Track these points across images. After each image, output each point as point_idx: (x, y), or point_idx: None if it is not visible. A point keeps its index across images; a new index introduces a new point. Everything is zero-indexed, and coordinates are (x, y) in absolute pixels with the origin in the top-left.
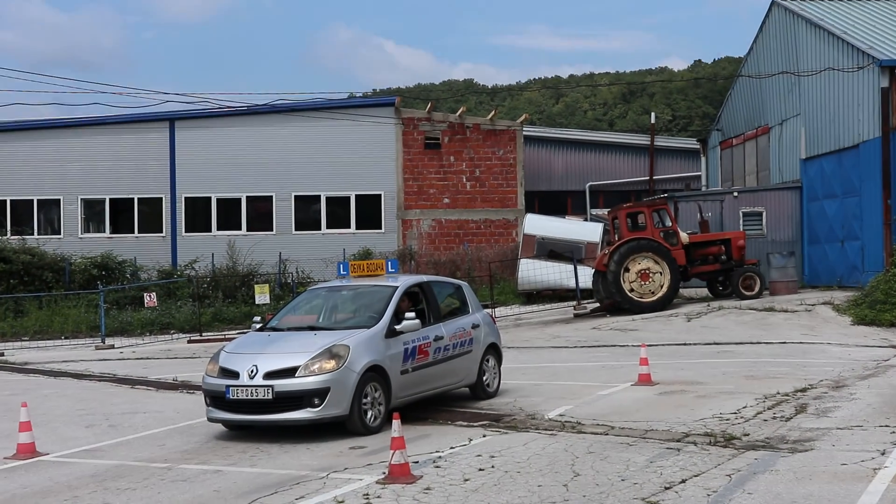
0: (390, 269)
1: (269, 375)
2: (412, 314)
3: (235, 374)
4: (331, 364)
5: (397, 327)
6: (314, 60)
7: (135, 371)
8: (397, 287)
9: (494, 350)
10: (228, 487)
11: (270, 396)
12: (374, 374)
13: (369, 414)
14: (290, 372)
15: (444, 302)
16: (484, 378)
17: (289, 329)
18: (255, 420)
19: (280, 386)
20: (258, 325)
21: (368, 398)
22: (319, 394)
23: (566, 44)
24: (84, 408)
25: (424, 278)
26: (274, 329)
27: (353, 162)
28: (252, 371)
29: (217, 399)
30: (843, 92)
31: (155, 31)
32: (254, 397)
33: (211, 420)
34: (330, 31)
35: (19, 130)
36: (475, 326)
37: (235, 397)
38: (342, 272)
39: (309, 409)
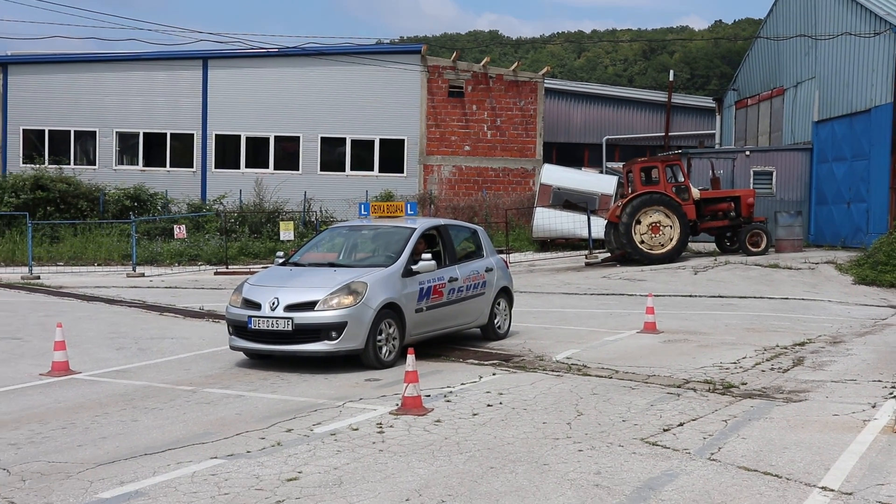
0: (409, 212)
1: (289, 308)
2: (428, 255)
3: (258, 306)
4: (349, 300)
5: (414, 267)
6: (343, 6)
7: (163, 299)
8: (415, 229)
9: (506, 293)
10: (249, 411)
11: (290, 328)
12: (390, 311)
13: (384, 349)
14: (309, 305)
15: (460, 245)
16: (495, 320)
17: (310, 265)
18: (274, 350)
19: (300, 318)
20: (281, 260)
21: (383, 334)
22: (337, 327)
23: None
24: (115, 331)
25: (441, 221)
26: (296, 264)
27: (379, 107)
28: (273, 303)
29: (239, 328)
30: (859, 57)
31: None
32: (274, 328)
33: (233, 348)
34: None
35: (59, 63)
36: (489, 270)
37: (257, 327)
38: (363, 213)
39: (326, 341)
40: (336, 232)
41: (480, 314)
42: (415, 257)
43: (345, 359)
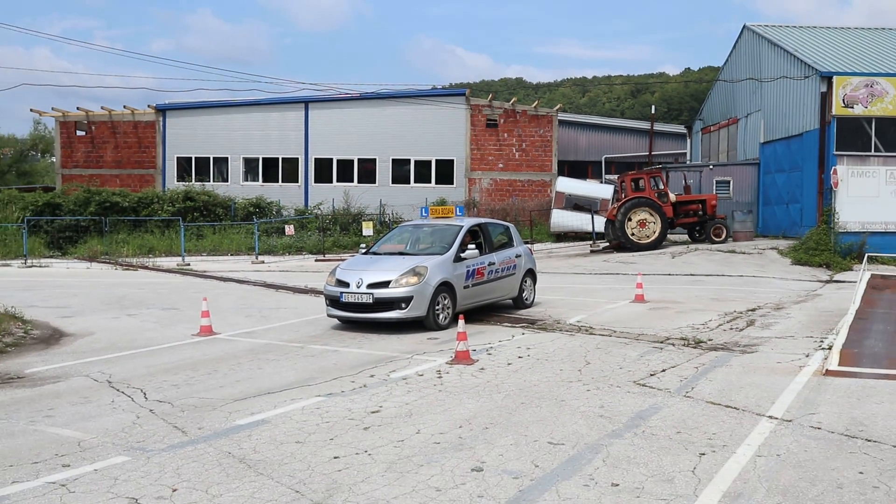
0: (458, 213)
1: (370, 286)
2: (473, 246)
3: (347, 284)
4: (414, 279)
5: (462, 255)
6: (406, 61)
7: (278, 279)
8: (463, 226)
9: (531, 274)
10: (343, 362)
11: (371, 301)
12: (445, 287)
13: (440, 316)
14: (385, 284)
15: (496, 238)
16: (523, 294)
17: (385, 253)
18: (359, 317)
19: (378, 293)
20: (363, 250)
21: (440, 304)
22: (405, 300)
23: (591, 53)
24: (244, 303)
25: (482, 220)
26: (375, 253)
27: (434, 135)
28: (359, 282)
29: (334, 301)
30: (793, 94)
31: (292, 38)
32: (359, 301)
33: (329, 316)
34: (416, 40)
35: (201, 108)
36: (518, 256)
37: (347, 300)
38: (423, 214)
39: (398, 310)
40: (404, 229)
41: (512, 289)
42: (463, 247)
43: (412, 324)
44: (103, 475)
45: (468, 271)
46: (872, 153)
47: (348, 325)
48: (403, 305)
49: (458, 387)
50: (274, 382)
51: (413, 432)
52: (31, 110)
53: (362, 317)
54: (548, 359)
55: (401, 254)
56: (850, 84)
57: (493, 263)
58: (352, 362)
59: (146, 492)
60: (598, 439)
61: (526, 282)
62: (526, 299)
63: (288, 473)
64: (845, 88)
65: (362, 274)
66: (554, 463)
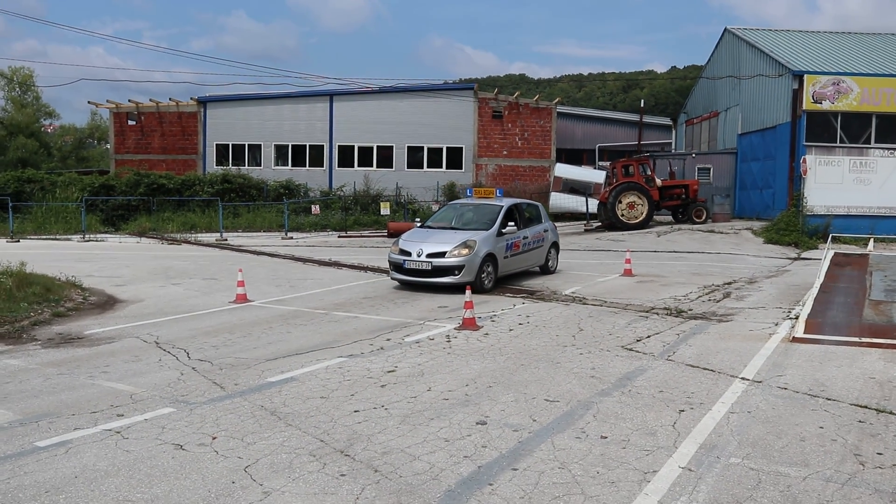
0: (498, 195)
1: (429, 255)
2: (511, 223)
3: (409, 253)
4: (466, 251)
5: (503, 230)
6: (419, 58)
7: (305, 253)
8: (503, 206)
9: (555, 246)
10: (363, 327)
11: (430, 268)
12: (489, 258)
13: (485, 281)
14: (442, 254)
15: (528, 215)
16: (549, 262)
17: (438, 227)
18: (419, 281)
19: (436, 262)
20: (419, 224)
21: (485, 272)
22: (458, 268)
23: (587, 52)
24: (274, 274)
25: (517, 200)
26: (429, 227)
27: (445, 125)
28: (419, 252)
29: (397, 267)
30: (768, 91)
31: (318, 37)
32: (420, 268)
33: (393, 279)
34: (429, 39)
35: (237, 100)
36: (545, 231)
37: (409, 267)
38: (468, 194)
39: (451, 276)
40: (453, 207)
41: (540, 258)
42: (504, 224)
43: (433, 289)
44: (152, 424)
45: (507, 244)
46: (838, 144)
47: (373, 293)
48: (456, 272)
49: (465, 350)
50: (301, 345)
51: (424, 390)
52: (89, 102)
53: (422, 281)
54: (545, 326)
55: (451, 228)
56: (819, 82)
57: (527, 238)
58: (370, 327)
59: (189, 439)
60: (589, 397)
61: (551, 252)
62: (551, 267)
63: (314, 425)
64: (814, 86)
65: (422, 245)
66: (550, 418)
